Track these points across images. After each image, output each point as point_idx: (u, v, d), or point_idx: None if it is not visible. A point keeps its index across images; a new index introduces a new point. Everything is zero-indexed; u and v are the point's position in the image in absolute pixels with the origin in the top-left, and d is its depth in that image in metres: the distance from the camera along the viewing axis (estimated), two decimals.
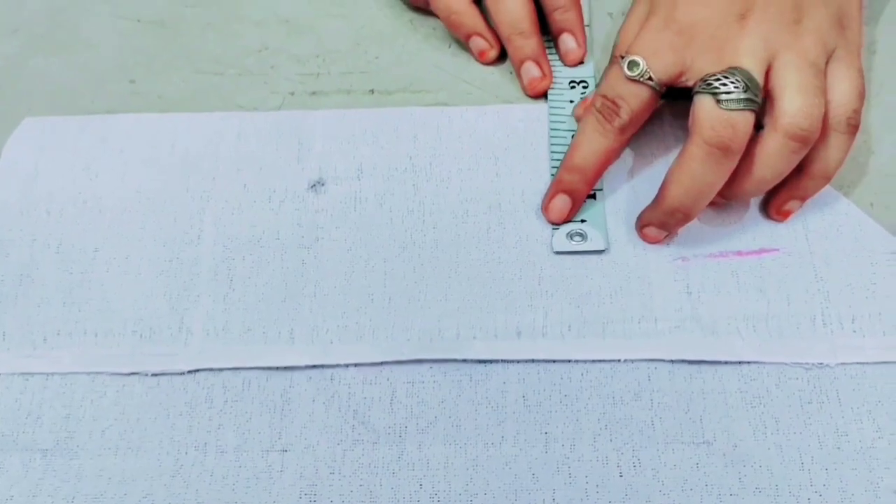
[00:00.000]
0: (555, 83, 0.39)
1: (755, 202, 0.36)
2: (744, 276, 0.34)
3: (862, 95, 0.34)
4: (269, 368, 0.34)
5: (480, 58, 0.40)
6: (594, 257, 0.35)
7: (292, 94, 0.40)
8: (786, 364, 0.33)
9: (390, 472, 0.32)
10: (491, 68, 0.41)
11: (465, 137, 0.38)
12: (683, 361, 0.33)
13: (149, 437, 0.33)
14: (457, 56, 0.41)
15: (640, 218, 0.35)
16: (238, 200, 0.37)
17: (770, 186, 0.34)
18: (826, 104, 0.33)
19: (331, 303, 0.35)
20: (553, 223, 0.36)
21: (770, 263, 0.34)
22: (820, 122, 0.32)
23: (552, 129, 0.38)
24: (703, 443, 0.32)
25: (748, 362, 0.33)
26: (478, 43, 0.40)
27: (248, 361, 0.34)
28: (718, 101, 0.32)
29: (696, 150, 0.32)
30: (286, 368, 0.34)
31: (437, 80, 0.41)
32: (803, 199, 0.35)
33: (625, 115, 0.34)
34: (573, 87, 0.39)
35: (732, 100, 0.32)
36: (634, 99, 0.34)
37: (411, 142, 0.38)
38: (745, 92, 0.32)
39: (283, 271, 0.35)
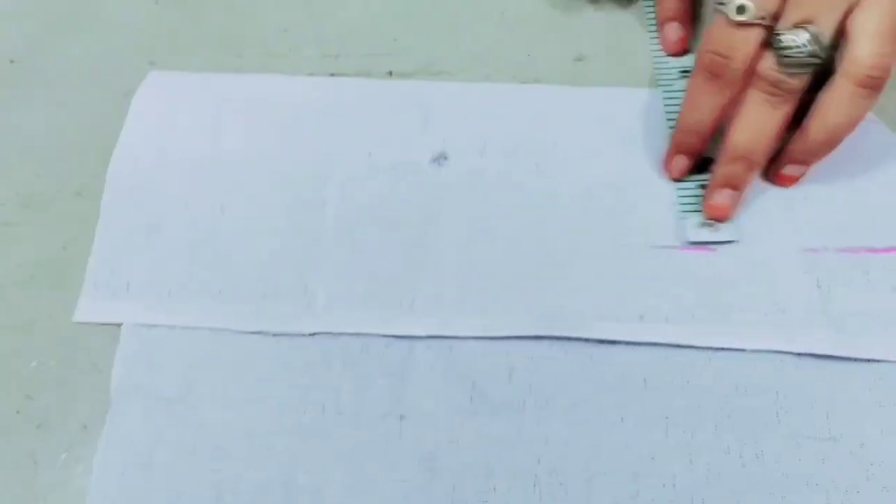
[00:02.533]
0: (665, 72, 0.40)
1: (876, 197, 0.35)
2: (875, 273, 0.34)
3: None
4: (389, 336, 0.34)
5: (667, 47, 0.40)
6: (719, 245, 0.35)
7: (311, 75, 0.40)
8: None
9: (509, 445, 0.32)
10: (510, 49, 0.41)
11: (590, 118, 0.38)
12: (811, 356, 0.32)
13: (267, 395, 0.33)
14: (476, 38, 0.41)
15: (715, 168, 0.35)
16: (363, 168, 0.37)
17: (843, 135, 0.33)
18: None
19: (452, 276, 0.35)
20: (674, 179, 0.36)
21: None
22: (890, 69, 0.32)
23: (667, 110, 0.38)
24: (829, 439, 0.31)
25: (878, 361, 0.32)
26: (673, 31, 0.40)
27: (370, 328, 0.34)
28: (780, 60, 0.32)
29: (754, 95, 0.33)
30: (406, 336, 0.34)
31: (456, 62, 0.41)
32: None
33: (737, 64, 0.33)
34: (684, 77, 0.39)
35: (793, 63, 0.32)
36: (745, 45, 0.33)
37: (535, 119, 0.38)
38: (808, 56, 0.32)
39: (405, 242, 0.35)
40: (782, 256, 0.34)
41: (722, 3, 0.33)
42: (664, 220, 0.35)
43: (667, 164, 0.37)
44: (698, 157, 0.36)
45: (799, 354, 0.32)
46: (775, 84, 0.33)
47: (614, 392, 0.32)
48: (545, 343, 0.33)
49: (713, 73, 0.34)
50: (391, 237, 0.36)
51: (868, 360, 0.32)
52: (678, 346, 0.33)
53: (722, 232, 0.35)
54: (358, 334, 0.34)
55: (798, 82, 0.33)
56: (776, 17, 0.33)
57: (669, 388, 0.32)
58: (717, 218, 0.35)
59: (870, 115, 0.37)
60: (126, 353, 0.34)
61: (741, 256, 0.34)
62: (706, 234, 0.35)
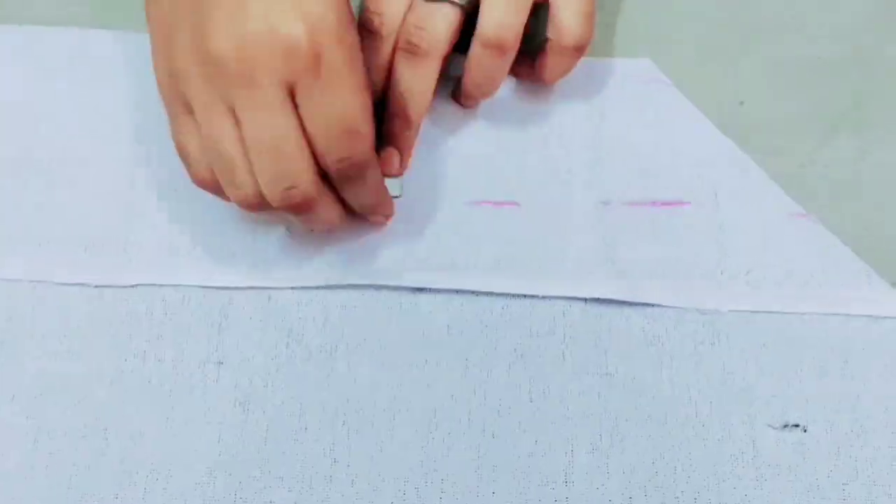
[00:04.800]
0: None
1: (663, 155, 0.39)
2: (659, 224, 0.37)
3: (583, 27, 0.35)
4: (209, 287, 0.35)
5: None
6: (520, 200, 0.37)
7: None
8: (685, 308, 0.36)
9: (320, 387, 0.34)
10: None
11: None
12: (596, 301, 0.36)
13: (89, 345, 0.34)
14: None
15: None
16: None
17: (487, 91, 0.37)
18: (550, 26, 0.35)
19: (272, 229, 0.36)
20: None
21: (681, 215, 0.37)
22: (516, 35, 0.35)
23: None
24: (606, 374, 0.35)
25: (652, 305, 0.36)
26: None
27: (190, 279, 0.35)
28: (420, 11, 0.34)
29: (399, 56, 0.35)
30: (225, 287, 0.35)
31: None
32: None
33: (389, 19, 0.34)
34: None
35: (428, 13, 0.34)
36: (396, 4, 0.34)
37: None
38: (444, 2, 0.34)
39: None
40: (577, 209, 0.37)
41: None
42: (476, 177, 0.38)
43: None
44: (412, 145, 0.37)
45: (585, 300, 0.36)
46: (413, 35, 0.34)
47: (420, 337, 0.35)
48: (359, 291, 0.36)
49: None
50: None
51: (644, 304, 0.36)
52: (479, 293, 0.36)
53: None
54: (178, 285, 0.35)
55: (434, 36, 0.34)
56: None
57: (470, 333, 0.35)
58: (386, 174, 0.35)
59: (662, 77, 0.40)
60: None
61: (541, 210, 0.37)
62: None
